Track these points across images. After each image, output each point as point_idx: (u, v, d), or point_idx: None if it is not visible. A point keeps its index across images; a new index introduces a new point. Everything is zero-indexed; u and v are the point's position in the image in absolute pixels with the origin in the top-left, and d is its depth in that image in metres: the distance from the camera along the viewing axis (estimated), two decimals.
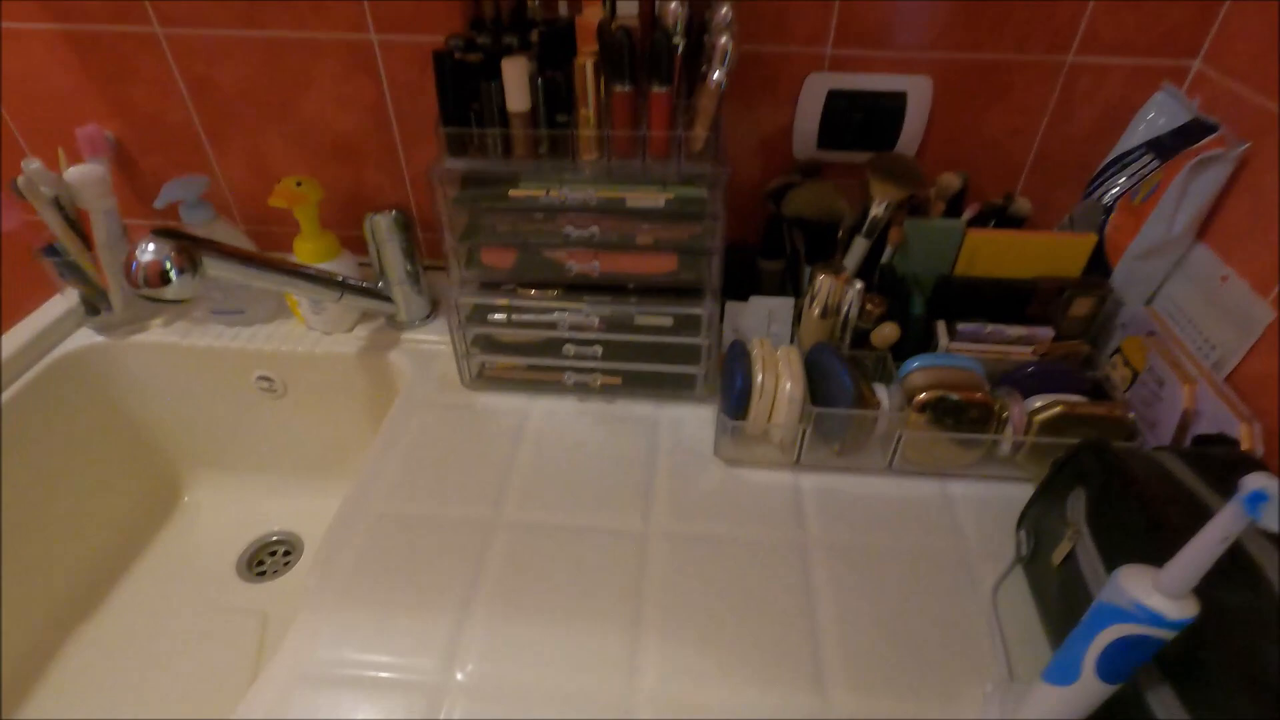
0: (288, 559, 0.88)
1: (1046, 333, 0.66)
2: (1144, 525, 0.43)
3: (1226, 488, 0.43)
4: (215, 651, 0.77)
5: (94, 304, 0.79)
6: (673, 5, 0.56)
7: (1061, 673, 0.39)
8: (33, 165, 0.68)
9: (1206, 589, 0.33)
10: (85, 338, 0.81)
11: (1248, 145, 0.57)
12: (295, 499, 0.92)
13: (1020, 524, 0.57)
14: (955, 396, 0.61)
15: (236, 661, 0.76)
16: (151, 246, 0.58)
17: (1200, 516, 0.33)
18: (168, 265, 0.58)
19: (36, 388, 0.77)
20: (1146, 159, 0.63)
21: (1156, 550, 0.35)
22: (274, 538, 0.90)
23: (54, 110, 0.76)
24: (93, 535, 0.84)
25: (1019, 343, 0.66)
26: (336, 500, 0.63)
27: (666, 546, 0.58)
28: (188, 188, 0.73)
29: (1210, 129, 0.59)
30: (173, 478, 0.93)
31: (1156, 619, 0.33)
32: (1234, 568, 0.39)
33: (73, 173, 0.70)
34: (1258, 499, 0.28)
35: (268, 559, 0.88)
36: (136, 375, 0.84)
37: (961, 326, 0.67)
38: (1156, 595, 0.33)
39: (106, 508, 0.86)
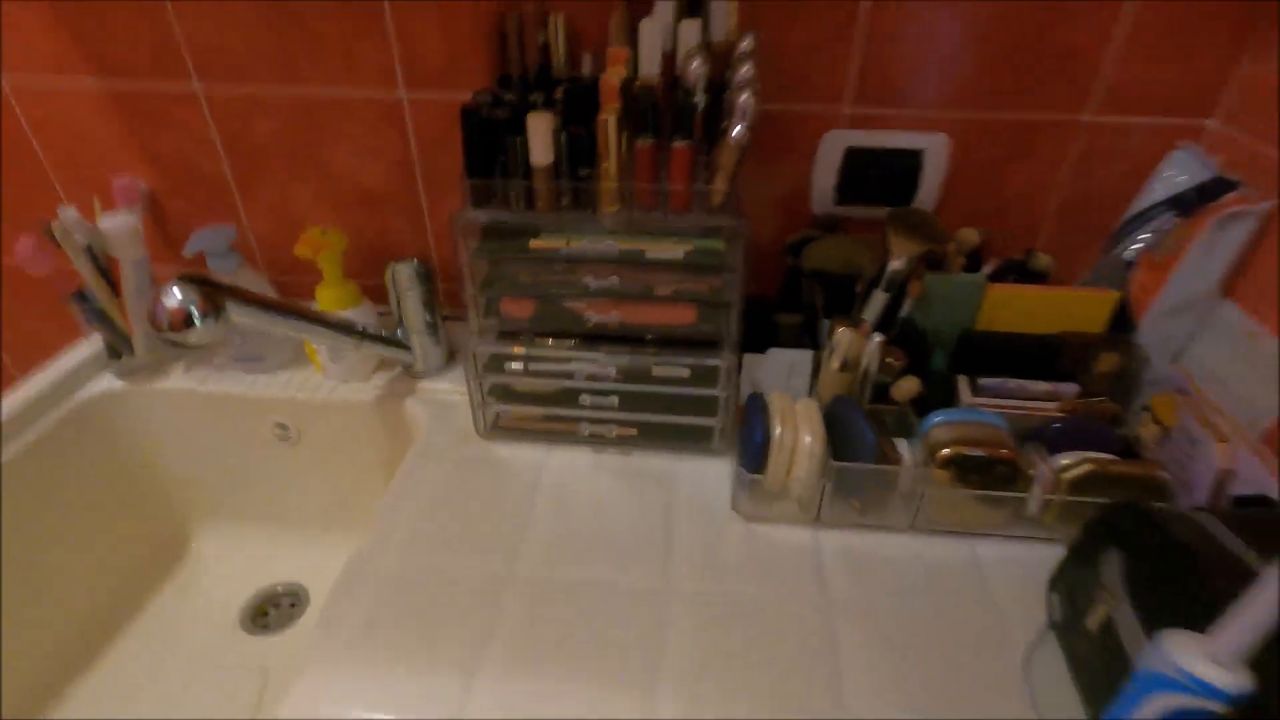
0: (293, 611, 0.86)
1: (1071, 389, 0.65)
2: (1187, 590, 0.40)
3: (1273, 551, 0.41)
4: (213, 708, 0.74)
5: (117, 349, 0.80)
6: (694, 65, 0.58)
7: None
8: (68, 213, 0.70)
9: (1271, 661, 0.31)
10: (106, 383, 0.82)
11: (1274, 202, 0.57)
12: (303, 550, 0.90)
13: (1052, 587, 0.55)
14: (979, 452, 0.59)
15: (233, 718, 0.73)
16: (177, 291, 0.59)
17: (1246, 581, 0.31)
18: (192, 310, 0.59)
19: (57, 431, 0.77)
20: (1168, 215, 0.63)
21: (1202, 616, 0.33)
22: (280, 589, 0.88)
23: (92, 161, 0.79)
24: (99, 581, 0.83)
25: (1043, 399, 0.65)
26: (345, 552, 0.61)
27: (685, 606, 0.56)
28: (216, 236, 0.75)
29: (1231, 186, 0.59)
30: (182, 525, 0.92)
31: (1209, 689, 0.31)
32: None
33: (107, 222, 0.72)
34: None
35: (272, 610, 0.86)
36: (154, 421, 0.84)
37: (984, 381, 0.66)
38: (1207, 663, 0.31)
39: (115, 554, 0.85)
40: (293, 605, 0.87)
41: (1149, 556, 0.45)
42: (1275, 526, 0.45)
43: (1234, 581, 0.38)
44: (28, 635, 0.75)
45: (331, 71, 0.71)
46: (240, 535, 0.92)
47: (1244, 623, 0.30)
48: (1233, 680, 0.31)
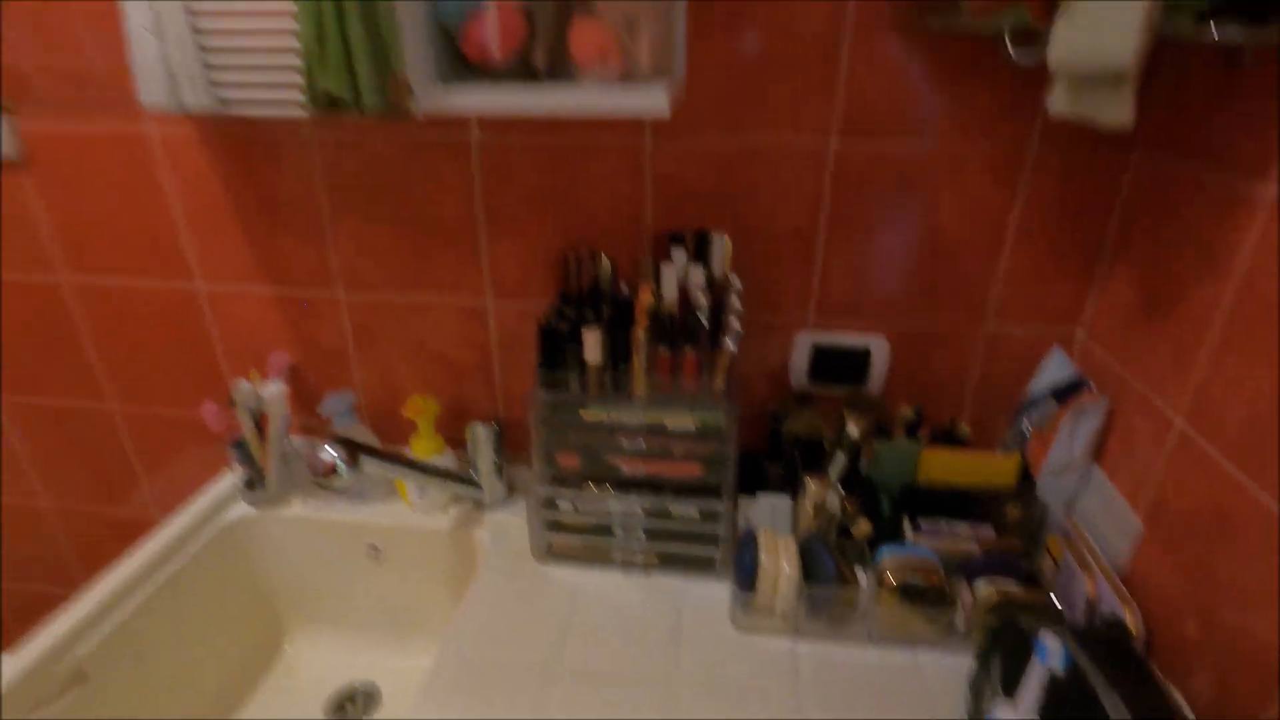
0: (368, 706, 1.03)
1: (989, 530, 0.85)
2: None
3: (1096, 653, 0.61)
4: None
5: (254, 483, 1.03)
6: (699, 296, 0.84)
7: None
8: (244, 386, 0.95)
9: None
10: (242, 509, 1.04)
11: (1108, 400, 0.79)
12: (378, 654, 1.08)
13: (968, 686, 0.73)
14: (918, 581, 0.79)
15: None
16: (329, 449, 0.83)
17: (1075, 671, 0.51)
18: (339, 462, 0.82)
19: (204, 551, 0.99)
20: (1049, 401, 0.86)
21: None
22: (358, 686, 1.06)
23: (255, 342, 1.06)
24: (209, 677, 1.01)
25: (967, 538, 0.85)
26: (415, 657, 0.80)
27: (691, 690, 0.75)
28: (341, 401, 1.00)
29: (1084, 384, 0.82)
30: (279, 630, 1.11)
31: None
32: (1088, 708, 0.56)
33: (267, 389, 0.98)
34: (1042, 648, 0.46)
35: (349, 705, 1.03)
36: (272, 540, 1.06)
37: (922, 523, 0.86)
38: (1012, 716, 0.50)
39: (224, 654, 1.03)
40: (368, 701, 1.04)
41: (1015, 659, 0.64)
42: (1107, 639, 0.65)
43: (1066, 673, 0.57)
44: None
45: (438, 285, 0.98)
46: (326, 639, 1.10)
47: (1027, 688, 0.50)
48: None
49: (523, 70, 0.66)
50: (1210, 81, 0.68)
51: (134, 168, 0.95)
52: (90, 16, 0.87)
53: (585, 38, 0.62)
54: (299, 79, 0.66)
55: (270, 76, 0.71)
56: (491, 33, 0.61)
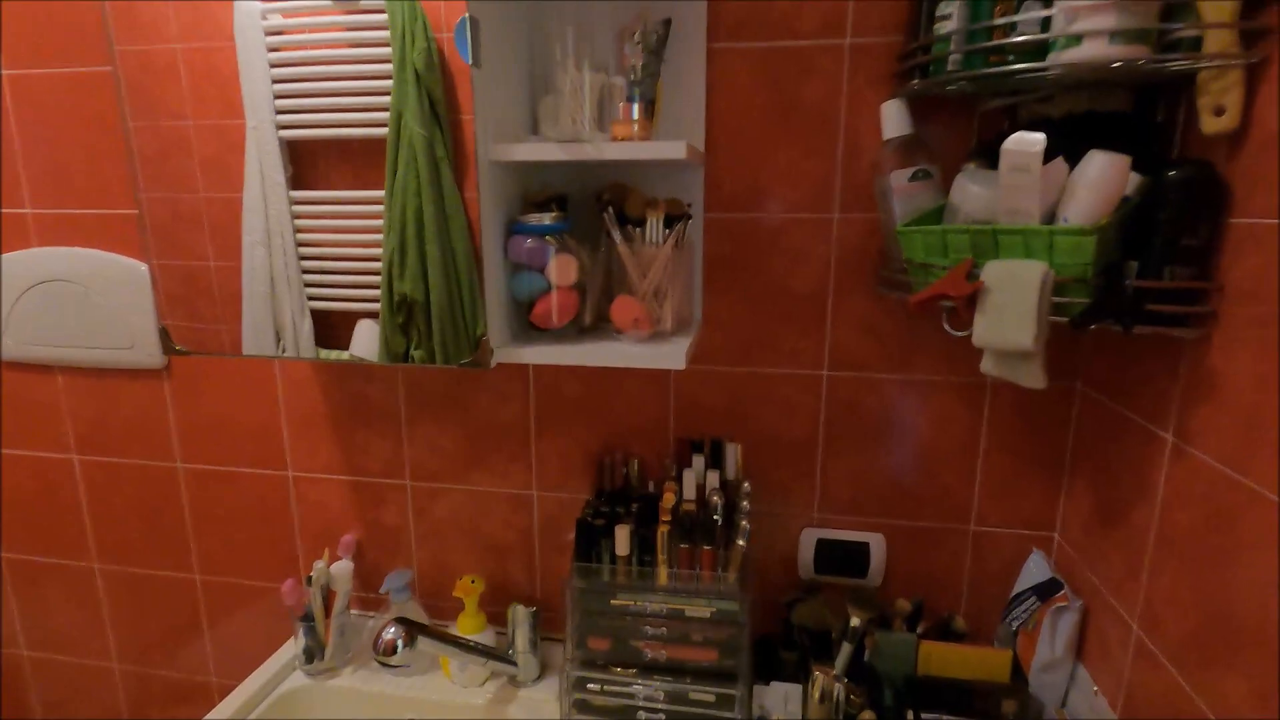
0: None
1: None
2: None
3: None
4: None
5: (312, 654, 1.14)
6: (715, 498, 0.98)
7: None
8: (319, 565, 1.09)
9: None
10: (298, 679, 1.14)
11: (1081, 602, 0.89)
12: None
13: None
14: None
15: None
16: (392, 629, 0.95)
17: None
18: (399, 642, 0.94)
19: (265, 715, 1.08)
20: (1032, 599, 0.95)
21: None
22: None
23: (328, 525, 1.21)
24: None
25: None
26: None
27: None
28: (400, 579, 1.13)
29: (1060, 586, 0.91)
30: None
31: None
32: None
33: (337, 568, 1.12)
34: None
35: None
36: (321, 711, 1.14)
37: (925, 717, 0.93)
38: None
39: None
40: None
41: None
42: None
43: None
44: None
45: (492, 478, 1.14)
46: None
47: None
48: None
49: (574, 329, 0.86)
50: (1121, 340, 0.84)
51: (251, 378, 1.17)
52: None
53: (623, 310, 0.82)
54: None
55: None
56: (553, 309, 0.81)
